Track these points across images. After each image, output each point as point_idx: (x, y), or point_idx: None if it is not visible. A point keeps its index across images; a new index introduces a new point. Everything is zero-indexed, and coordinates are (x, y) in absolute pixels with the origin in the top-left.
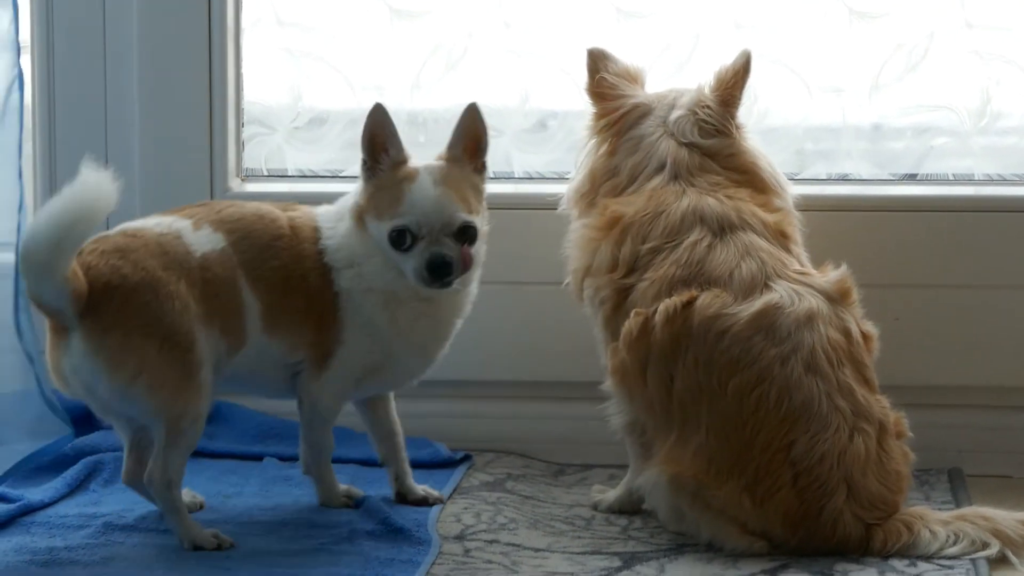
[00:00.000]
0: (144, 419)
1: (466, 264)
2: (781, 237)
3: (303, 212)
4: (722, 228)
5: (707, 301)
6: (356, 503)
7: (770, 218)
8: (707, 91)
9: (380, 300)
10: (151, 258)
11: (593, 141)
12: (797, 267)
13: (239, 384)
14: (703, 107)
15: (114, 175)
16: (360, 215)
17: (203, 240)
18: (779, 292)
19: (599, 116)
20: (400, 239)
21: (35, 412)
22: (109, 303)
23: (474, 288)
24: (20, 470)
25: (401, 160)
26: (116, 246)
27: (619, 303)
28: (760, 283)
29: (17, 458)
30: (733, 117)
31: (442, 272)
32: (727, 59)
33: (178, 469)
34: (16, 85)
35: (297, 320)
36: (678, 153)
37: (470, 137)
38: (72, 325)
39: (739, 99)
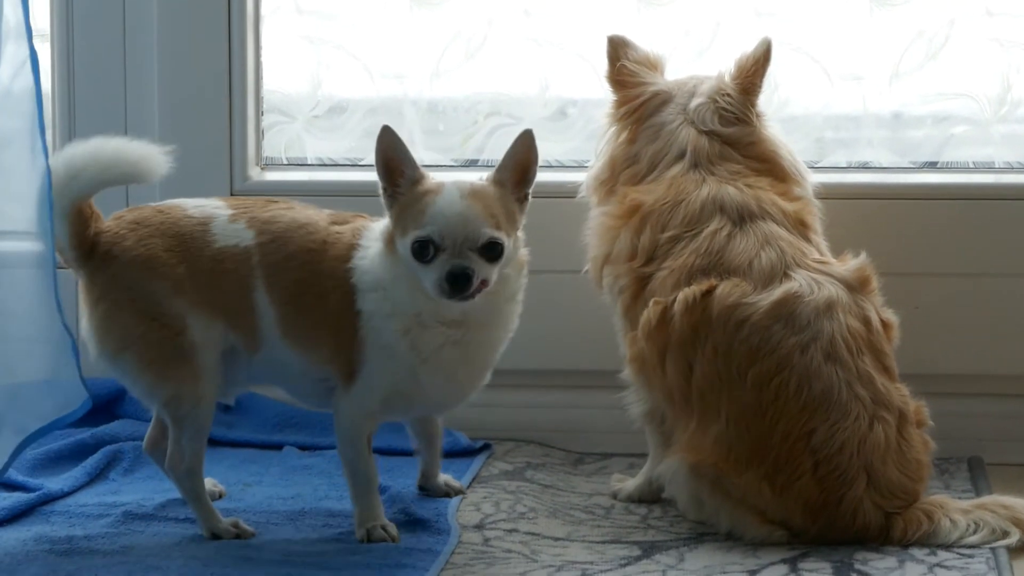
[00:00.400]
0: (144, 400)
1: (484, 284)
2: (801, 226)
3: (351, 228)
4: (742, 217)
5: (726, 290)
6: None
7: (790, 207)
8: (727, 79)
9: (402, 325)
10: (158, 237)
11: (613, 129)
12: (816, 256)
13: (284, 387)
14: (723, 95)
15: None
16: (390, 239)
17: (231, 233)
18: (798, 281)
19: (619, 104)
20: (422, 250)
21: (59, 401)
22: (106, 271)
23: (515, 321)
24: (36, 440)
25: (418, 177)
26: (137, 218)
27: (638, 292)
28: (779, 272)
29: (38, 446)
30: (753, 105)
31: (461, 284)
32: (747, 47)
33: (195, 455)
34: (29, 68)
35: (314, 335)
36: (698, 141)
37: (517, 164)
38: (74, 268)
39: (759, 87)
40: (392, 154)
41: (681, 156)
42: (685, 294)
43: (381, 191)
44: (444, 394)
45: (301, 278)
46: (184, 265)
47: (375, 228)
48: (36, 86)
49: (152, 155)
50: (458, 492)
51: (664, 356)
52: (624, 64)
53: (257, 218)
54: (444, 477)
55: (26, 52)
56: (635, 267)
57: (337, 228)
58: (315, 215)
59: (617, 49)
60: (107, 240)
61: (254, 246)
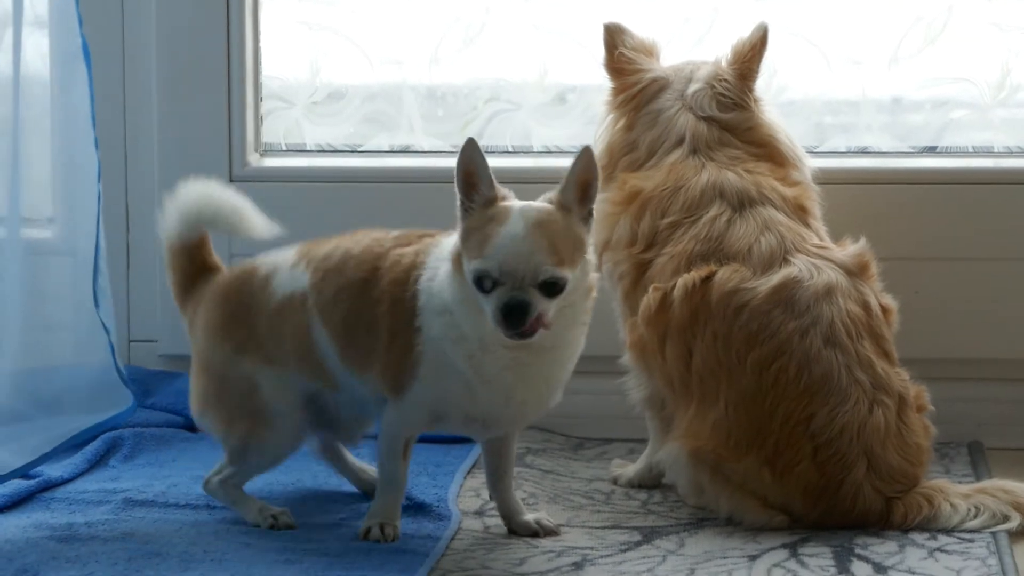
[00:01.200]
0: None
1: (542, 323)
2: (800, 211)
3: (414, 249)
4: (741, 203)
5: (726, 276)
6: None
7: (789, 192)
8: (724, 64)
9: (467, 350)
10: (226, 302)
11: (611, 116)
12: (816, 241)
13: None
14: (720, 80)
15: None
16: (457, 258)
17: (290, 281)
18: (798, 266)
19: (617, 91)
20: (481, 282)
21: (92, 386)
22: (192, 332)
23: (581, 342)
24: (80, 440)
25: (492, 197)
26: (220, 283)
27: (638, 278)
28: (779, 257)
29: (35, 433)
30: (751, 90)
31: (516, 318)
32: (744, 32)
33: (238, 484)
34: (81, 56)
35: (368, 360)
36: (696, 127)
37: (580, 183)
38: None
39: (756, 72)
40: (471, 167)
41: (680, 142)
42: (684, 280)
43: (458, 204)
44: (501, 413)
45: (351, 308)
46: (247, 327)
47: (444, 245)
48: (88, 72)
49: (257, 220)
50: (550, 533)
51: (664, 342)
52: (622, 52)
53: (315, 257)
54: (535, 516)
55: (79, 38)
56: (635, 253)
57: (399, 251)
58: (377, 242)
59: (613, 36)
60: (194, 302)
61: (310, 288)
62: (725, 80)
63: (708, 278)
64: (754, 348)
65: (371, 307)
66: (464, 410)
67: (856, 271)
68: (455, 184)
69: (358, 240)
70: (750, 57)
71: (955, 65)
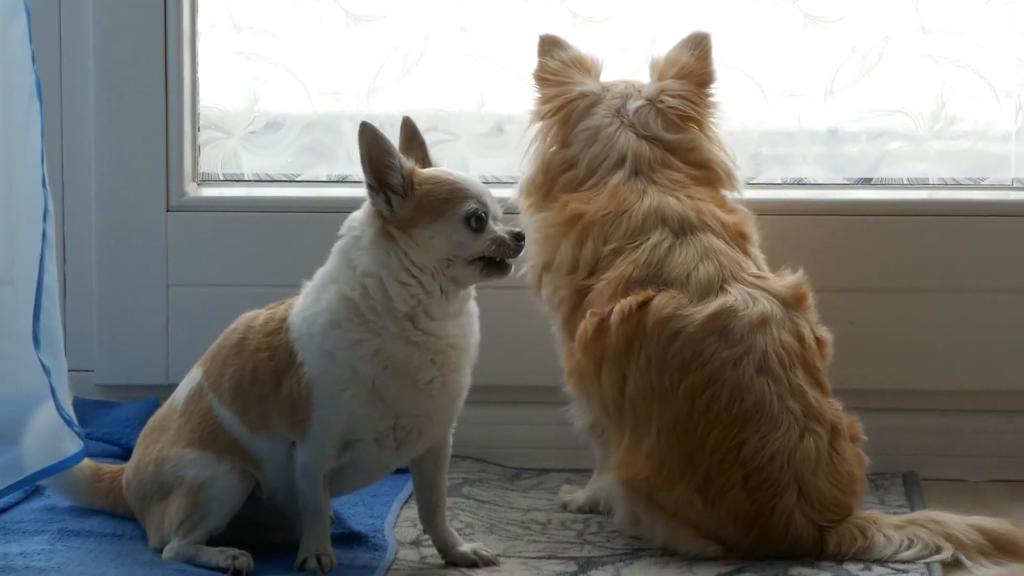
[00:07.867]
0: None
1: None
2: (739, 238)
3: (284, 306)
4: (683, 229)
5: (663, 302)
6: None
7: (729, 219)
8: (671, 80)
9: (371, 349)
10: (152, 431)
11: (537, 127)
12: (754, 271)
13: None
14: (674, 95)
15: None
16: (383, 231)
17: (188, 384)
18: (734, 295)
19: (541, 101)
20: (479, 221)
21: (33, 418)
22: None
23: (474, 308)
24: (26, 485)
25: (410, 168)
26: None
27: (577, 303)
28: (716, 286)
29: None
30: (710, 96)
31: (523, 240)
32: (664, 48)
33: (194, 541)
34: (35, 94)
35: (268, 410)
36: (639, 147)
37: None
38: None
39: (713, 77)
40: (376, 151)
41: (621, 162)
42: (621, 305)
43: (367, 190)
44: (412, 408)
45: (235, 369)
46: (166, 433)
47: (311, 289)
48: (40, 110)
49: None
50: (489, 563)
51: (600, 367)
52: (545, 61)
53: (207, 358)
54: (472, 546)
55: (32, 75)
56: (577, 280)
57: (269, 311)
58: (248, 316)
59: (546, 47)
60: None
61: (202, 378)
62: (678, 95)
63: (645, 303)
64: (687, 375)
65: (251, 359)
66: (372, 424)
67: (792, 302)
68: (364, 172)
69: (242, 324)
70: (702, 63)
71: (890, 97)
